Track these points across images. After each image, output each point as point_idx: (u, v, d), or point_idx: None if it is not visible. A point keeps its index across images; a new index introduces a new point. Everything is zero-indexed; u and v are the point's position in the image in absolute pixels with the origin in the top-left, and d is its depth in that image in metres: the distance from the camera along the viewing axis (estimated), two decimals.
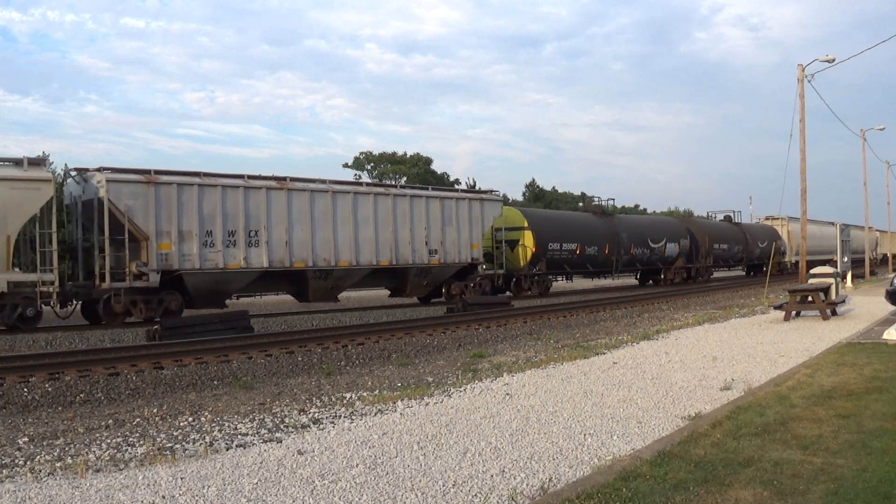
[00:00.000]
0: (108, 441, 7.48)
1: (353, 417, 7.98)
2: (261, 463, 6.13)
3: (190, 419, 8.70)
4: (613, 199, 40.96)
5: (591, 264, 34.39)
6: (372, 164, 69.28)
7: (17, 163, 19.03)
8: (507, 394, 9.03)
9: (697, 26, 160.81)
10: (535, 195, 77.09)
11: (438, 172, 69.94)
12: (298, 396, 10.33)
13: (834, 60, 27.08)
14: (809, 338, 13.83)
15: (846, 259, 31.03)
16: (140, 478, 5.74)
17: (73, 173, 21.05)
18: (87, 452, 6.90)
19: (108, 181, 19.91)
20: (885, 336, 12.81)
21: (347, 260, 24.45)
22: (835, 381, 8.95)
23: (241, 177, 22.69)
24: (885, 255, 69.98)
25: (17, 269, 19.03)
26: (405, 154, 70.19)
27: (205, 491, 5.36)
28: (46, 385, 11.51)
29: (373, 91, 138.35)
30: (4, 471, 6.22)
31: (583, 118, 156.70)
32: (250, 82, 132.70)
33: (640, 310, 25.14)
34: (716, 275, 45.86)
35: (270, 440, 7.04)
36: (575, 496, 4.88)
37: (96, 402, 10.98)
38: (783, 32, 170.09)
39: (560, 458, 6.03)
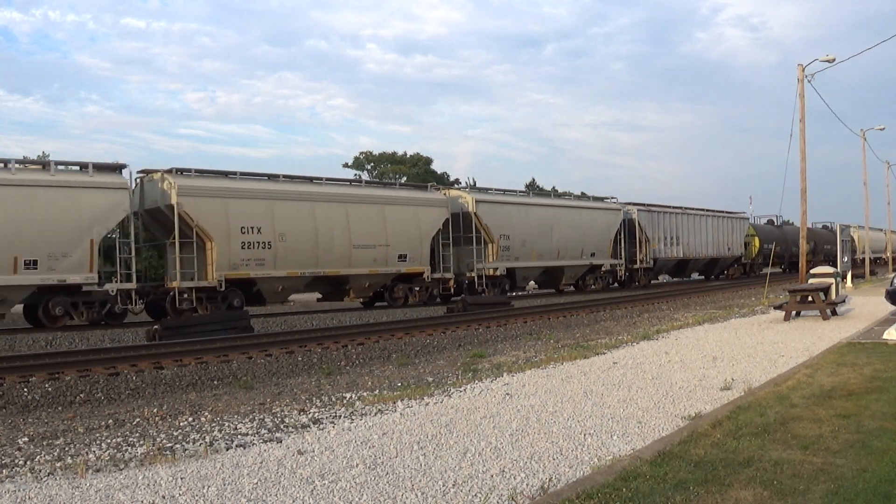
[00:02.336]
0: (108, 441, 7.48)
1: (353, 417, 7.98)
2: (261, 463, 6.13)
3: (190, 419, 8.70)
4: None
5: (776, 257, 49.81)
6: (372, 164, 69.30)
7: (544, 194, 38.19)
8: (507, 394, 9.03)
9: (698, 26, 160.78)
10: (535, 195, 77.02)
11: (438, 172, 69.96)
12: (298, 396, 10.33)
13: (834, 60, 27.08)
14: (809, 338, 13.83)
15: (846, 259, 31.19)
16: (140, 478, 5.74)
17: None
18: (87, 452, 6.90)
19: (637, 210, 37.86)
20: (885, 336, 12.80)
21: (703, 254, 43.79)
22: (835, 381, 8.95)
23: (679, 208, 42.00)
24: None
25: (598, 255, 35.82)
26: (405, 154, 70.23)
27: (205, 491, 5.36)
28: (46, 385, 11.51)
29: (373, 91, 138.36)
30: (4, 471, 6.23)
31: (583, 118, 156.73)
32: (251, 82, 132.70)
33: (640, 310, 25.15)
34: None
35: (270, 440, 7.04)
36: (575, 496, 4.88)
37: (96, 402, 10.99)
38: (783, 32, 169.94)
39: (560, 458, 6.03)
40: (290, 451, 6.47)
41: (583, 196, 37.42)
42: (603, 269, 35.87)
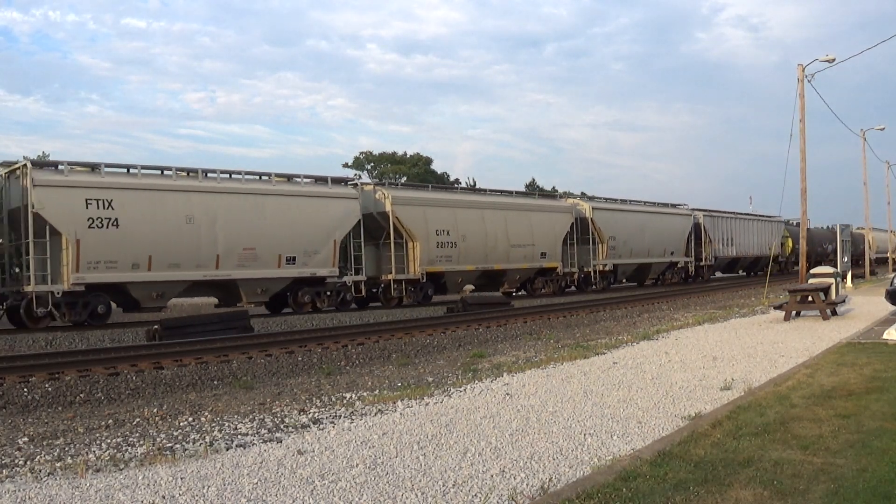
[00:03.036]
0: (108, 441, 7.48)
1: (353, 417, 7.98)
2: (261, 463, 6.12)
3: (190, 419, 8.70)
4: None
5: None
6: (372, 164, 69.31)
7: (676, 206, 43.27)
8: (507, 394, 9.03)
9: (698, 26, 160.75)
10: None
11: (439, 172, 69.99)
12: (298, 396, 10.33)
13: (834, 60, 27.07)
14: (809, 338, 13.83)
15: (846, 259, 31.31)
16: (140, 478, 5.74)
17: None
18: (87, 452, 6.90)
19: (703, 215, 44.46)
20: (885, 336, 12.80)
21: (751, 253, 50.26)
22: (835, 381, 8.95)
23: (733, 213, 49.11)
24: None
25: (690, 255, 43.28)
26: (405, 154, 70.23)
27: (205, 491, 5.36)
28: (46, 385, 11.51)
29: (374, 91, 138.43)
30: (4, 471, 6.22)
31: (583, 118, 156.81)
32: (251, 82, 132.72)
33: (640, 310, 25.14)
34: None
35: (270, 440, 7.04)
36: (575, 496, 4.88)
37: (96, 402, 10.98)
38: (783, 33, 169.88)
39: (560, 458, 6.03)
40: (290, 451, 6.47)
41: (663, 203, 42.83)
42: (678, 265, 42.18)
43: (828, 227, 66.40)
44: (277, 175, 24.07)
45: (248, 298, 23.15)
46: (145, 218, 20.60)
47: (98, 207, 19.85)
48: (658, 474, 5.29)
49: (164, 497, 5.23)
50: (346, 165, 70.53)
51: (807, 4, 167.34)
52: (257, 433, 7.45)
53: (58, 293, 19.42)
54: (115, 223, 20.08)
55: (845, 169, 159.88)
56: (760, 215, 52.83)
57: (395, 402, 8.73)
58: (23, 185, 19.46)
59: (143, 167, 21.56)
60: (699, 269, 44.77)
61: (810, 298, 17.54)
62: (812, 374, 9.50)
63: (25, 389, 11.23)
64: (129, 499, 5.21)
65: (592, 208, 35.39)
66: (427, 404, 8.53)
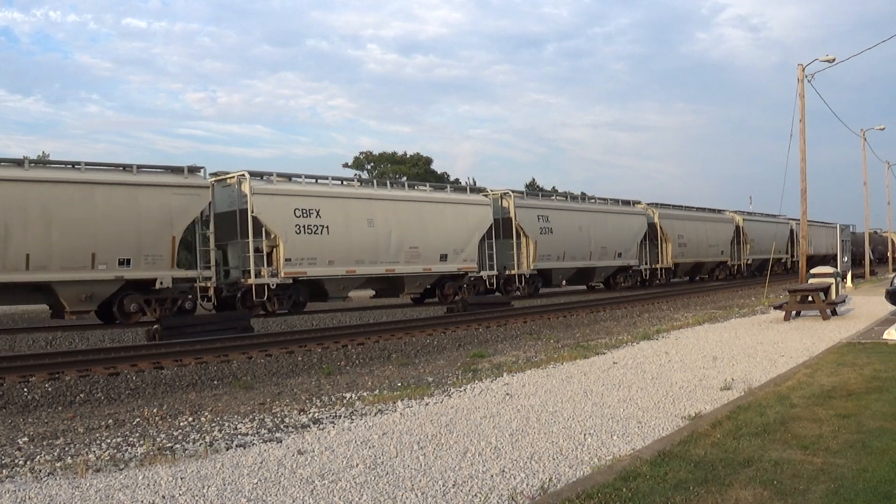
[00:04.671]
0: (108, 441, 7.48)
1: (353, 417, 7.98)
2: (261, 463, 6.12)
3: (190, 419, 8.70)
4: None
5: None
6: (372, 164, 69.28)
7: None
8: (507, 394, 9.03)
9: (698, 27, 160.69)
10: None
11: (439, 172, 69.95)
12: (298, 396, 10.33)
13: (834, 60, 27.06)
14: (809, 338, 13.83)
15: (846, 259, 31.50)
16: (140, 478, 5.74)
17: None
18: (87, 452, 6.90)
19: (795, 223, 51.53)
20: (885, 336, 12.80)
21: (821, 252, 56.37)
22: (835, 381, 8.95)
23: (814, 221, 51.33)
24: None
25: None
26: (405, 154, 70.20)
27: (205, 491, 5.36)
28: (46, 385, 11.51)
29: (374, 91, 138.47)
30: (4, 471, 6.23)
31: (583, 118, 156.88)
32: (252, 82, 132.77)
33: (640, 310, 25.14)
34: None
35: (270, 440, 7.04)
36: (575, 496, 4.88)
37: (96, 402, 10.98)
38: (784, 33, 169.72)
39: (560, 458, 6.03)
40: (290, 451, 6.47)
41: (773, 214, 54.67)
42: (782, 260, 56.27)
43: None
44: (599, 198, 38.19)
45: (596, 280, 37.42)
46: (564, 227, 33.56)
47: (542, 221, 32.54)
48: (658, 474, 5.29)
49: (164, 497, 5.23)
50: (346, 165, 70.51)
51: (807, 4, 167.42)
52: (257, 433, 7.45)
53: (527, 274, 31.77)
54: (550, 231, 32.85)
55: (843, 168, 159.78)
56: (826, 222, 61.15)
57: (395, 402, 8.73)
58: (503, 206, 31.56)
59: (558, 195, 37.78)
60: (794, 264, 56.58)
61: (810, 298, 17.54)
62: (812, 374, 9.50)
63: (25, 389, 11.23)
64: (129, 499, 5.21)
65: (743, 219, 49.73)
66: (427, 404, 8.53)
